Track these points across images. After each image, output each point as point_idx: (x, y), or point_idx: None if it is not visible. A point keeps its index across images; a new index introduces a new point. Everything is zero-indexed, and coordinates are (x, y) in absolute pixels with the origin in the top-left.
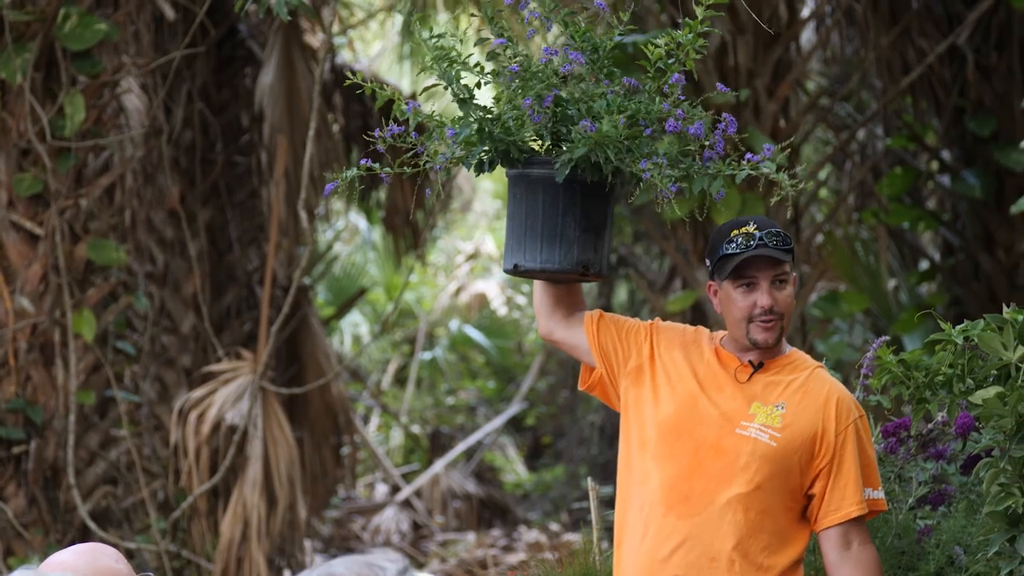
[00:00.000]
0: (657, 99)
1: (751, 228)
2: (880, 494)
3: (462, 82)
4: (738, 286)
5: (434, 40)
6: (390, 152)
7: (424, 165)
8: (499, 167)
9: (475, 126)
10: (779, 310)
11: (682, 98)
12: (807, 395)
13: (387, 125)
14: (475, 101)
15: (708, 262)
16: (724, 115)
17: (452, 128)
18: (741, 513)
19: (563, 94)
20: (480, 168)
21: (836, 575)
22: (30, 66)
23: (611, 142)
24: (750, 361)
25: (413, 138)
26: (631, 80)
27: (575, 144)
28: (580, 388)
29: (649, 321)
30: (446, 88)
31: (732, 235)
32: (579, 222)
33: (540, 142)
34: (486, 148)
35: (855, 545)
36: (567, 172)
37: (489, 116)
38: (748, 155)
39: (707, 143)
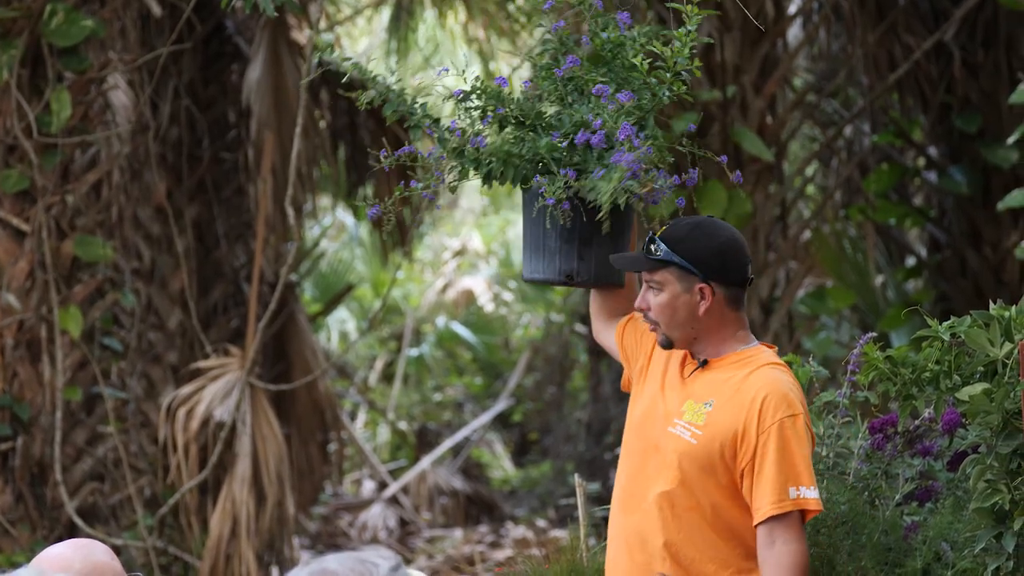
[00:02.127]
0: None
1: (660, 230)
2: (812, 493)
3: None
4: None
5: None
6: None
7: (447, 184)
8: None
9: (441, 152)
10: (652, 316)
11: (607, 103)
12: (738, 393)
13: (371, 121)
14: (436, 126)
15: None
16: (624, 124)
17: (432, 151)
18: (668, 510)
19: (512, 111)
20: (485, 181)
21: (761, 573)
22: (16, 62)
23: (516, 157)
24: (697, 358)
25: (425, 157)
26: (606, 88)
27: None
28: (622, 389)
29: None
30: (413, 124)
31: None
32: (560, 233)
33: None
34: (462, 167)
35: (778, 544)
36: (521, 186)
37: (451, 135)
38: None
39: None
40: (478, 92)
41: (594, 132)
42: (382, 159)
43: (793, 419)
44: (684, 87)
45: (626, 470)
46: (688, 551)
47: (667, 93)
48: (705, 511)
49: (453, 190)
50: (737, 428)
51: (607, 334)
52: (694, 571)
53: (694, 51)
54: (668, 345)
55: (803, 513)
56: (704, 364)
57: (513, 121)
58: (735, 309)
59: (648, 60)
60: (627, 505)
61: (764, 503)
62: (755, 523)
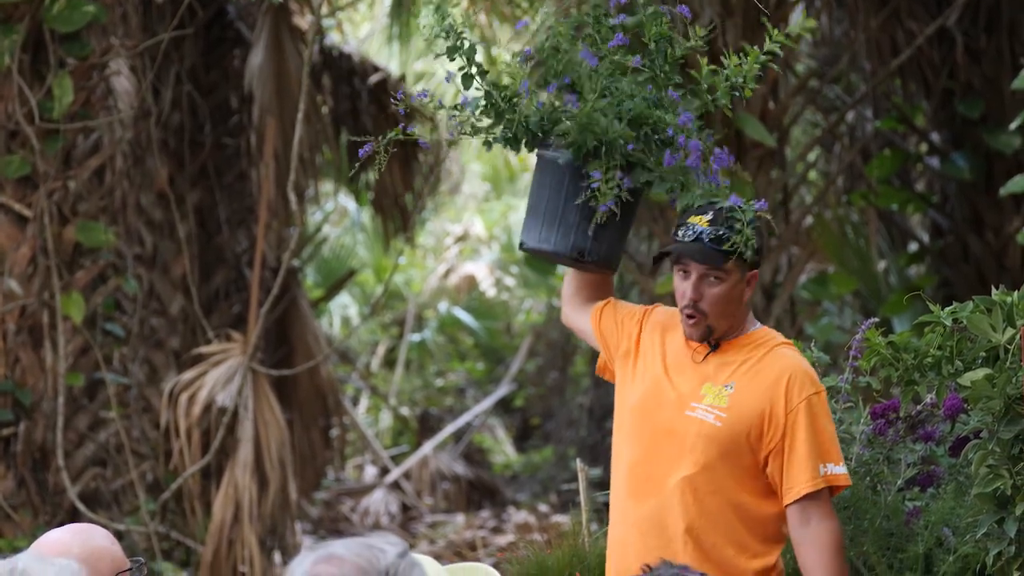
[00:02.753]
0: (668, 115)
1: (704, 220)
2: (840, 469)
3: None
4: (677, 272)
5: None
6: (391, 125)
7: (457, 137)
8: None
9: (482, 100)
10: (703, 307)
11: (691, 127)
12: (758, 374)
13: (373, 107)
14: (482, 77)
15: None
16: (717, 151)
17: (465, 100)
18: (690, 494)
19: (578, 83)
20: (510, 144)
21: (798, 552)
22: (18, 48)
23: (597, 130)
24: (708, 341)
25: (439, 105)
26: (675, 95)
27: (570, 127)
28: (596, 373)
29: (651, 305)
30: (454, 59)
31: (687, 220)
32: (582, 209)
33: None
34: (494, 125)
35: (813, 522)
36: (567, 155)
37: (498, 91)
38: (732, 198)
39: (707, 168)
40: (548, 55)
41: (686, 153)
42: (396, 101)
43: (819, 396)
44: (729, 106)
45: (632, 455)
46: (710, 536)
47: (719, 106)
48: (727, 495)
49: (451, 145)
50: (764, 409)
51: (580, 317)
52: (715, 556)
53: (761, 73)
54: (705, 337)
55: (830, 489)
56: (716, 347)
57: (578, 89)
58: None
59: (711, 67)
60: (639, 491)
61: (797, 482)
62: (787, 502)
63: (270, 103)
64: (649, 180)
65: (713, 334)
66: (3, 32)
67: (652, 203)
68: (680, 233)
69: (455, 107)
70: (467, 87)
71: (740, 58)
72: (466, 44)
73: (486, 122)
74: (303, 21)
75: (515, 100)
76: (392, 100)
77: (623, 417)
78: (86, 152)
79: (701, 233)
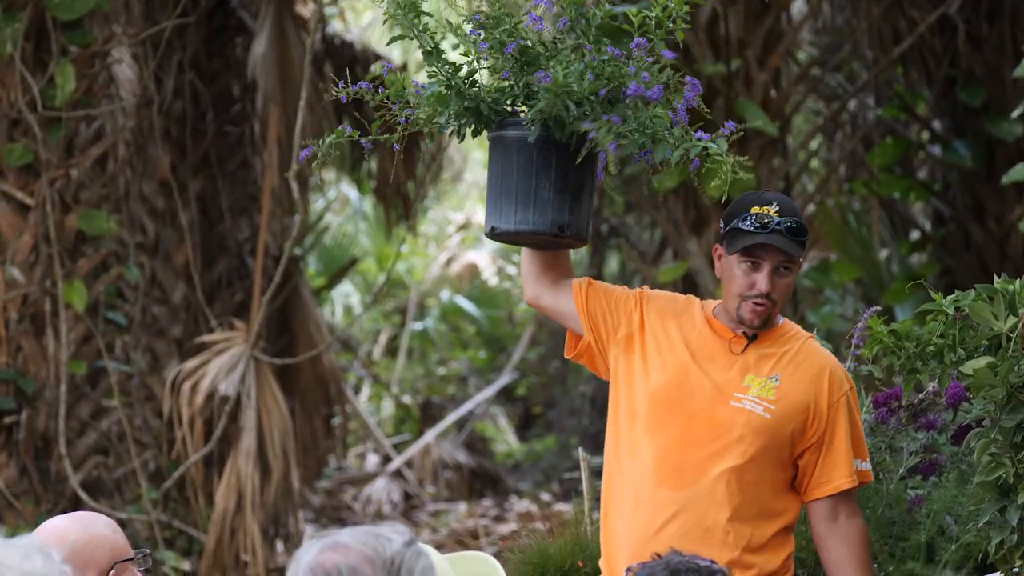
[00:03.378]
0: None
1: (772, 210)
2: (867, 465)
3: (428, 33)
4: (743, 262)
5: None
6: (372, 120)
7: (405, 130)
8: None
9: (442, 82)
10: (775, 296)
11: (645, 57)
12: (799, 367)
13: (379, 97)
14: (442, 57)
15: (722, 226)
16: (687, 78)
17: (420, 84)
18: (735, 484)
19: (531, 45)
20: (461, 134)
21: (824, 547)
22: (20, 36)
23: (571, 95)
24: (744, 332)
25: (380, 94)
26: (616, 51)
27: (538, 99)
28: (566, 356)
29: (638, 289)
30: (411, 39)
31: (751, 211)
32: (554, 183)
33: (511, 102)
34: (455, 107)
35: (843, 517)
36: (536, 130)
37: (456, 71)
38: (699, 133)
39: (671, 110)
40: (494, 20)
41: (647, 86)
42: (337, 91)
43: (853, 391)
44: (665, 50)
45: (662, 442)
46: (748, 526)
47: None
48: (763, 486)
49: (404, 131)
50: (808, 402)
51: (557, 297)
52: (752, 544)
53: (686, 12)
54: (765, 325)
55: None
56: (754, 338)
57: (523, 57)
58: None
59: (640, 15)
60: (672, 480)
61: (834, 476)
62: (817, 496)
63: (273, 91)
64: (620, 135)
65: (769, 321)
66: (5, 20)
67: (653, 191)
68: (749, 223)
69: (406, 103)
70: (429, 64)
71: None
72: (420, 24)
73: (440, 109)
74: (305, 9)
75: (472, 78)
76: (332, 90)
77: (636, 405)
78: (88, 140)
79: (779, 224)
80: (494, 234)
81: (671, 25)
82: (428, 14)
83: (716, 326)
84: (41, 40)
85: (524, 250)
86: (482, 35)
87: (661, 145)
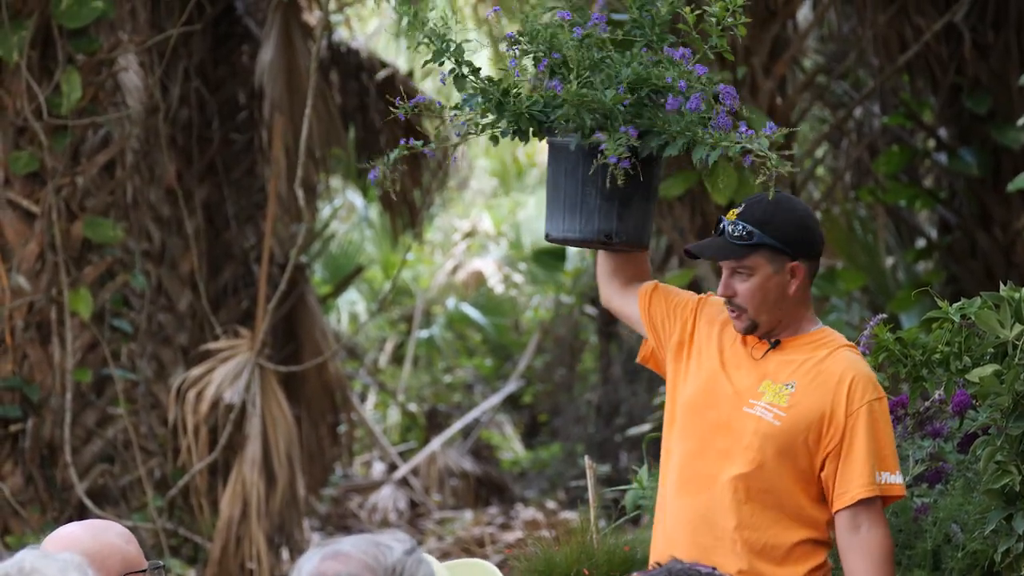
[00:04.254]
0: (670, 69)
1: (735, 212)
2: (897, 479)
3: (463, 57)
4: (722, 268)
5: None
6: (406, 128)
7: (464, 137)
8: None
9: (479, 99)
10: (738, 302)
11: (689, 68)
12: (820, 375)
13: (381, 103)
14: (475, 75)
15: None
16: (722, 87)
17: (465, 98)
18: (743, 492)
19: (567, 57)
20: (517, 135)
21: (845, 559)
22: (27, 44)
23: (588, 105)
24: (768, 339)
25: (439, 106)
26: (673, 51)
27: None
28: (637, 361)
29: (702, 295)
30: (442, 64)
31: (721, 216)
32: (600, 191)
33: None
34: (497, 119)
35: (863, 529)
36: (576, 139)
37: (493, 86)
38: (743, 127)
39: (708, 116)
40: (531, 35)
41: (686, 97)
42: (397, 106)
43: (880, 402)
44: (727, 49)
45: (684, 450)
46: (759, 535)
47: (713, 45)
48: (778, 495)
49: (456, 146)
50: (824, 410)
51: (625, 300)
52: (764, 555)
53: (741, 6)
54: (751, 330)
55: (884, 499)
56: (776, 344)
57: (564, 70)
58: (811, 284)
59: (697, 11)
60: (689, 486)
61: (852, 486)
62: (839, 507)
63: (279, 99)
64: (661, 144)
65: (759, 328)
66: (12, 28)
67: (659, 199)
68: (715, 230)
69: (455, 107)
70: (460, 88)
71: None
72: (451, 46)
73: (489, 118)
74: (312, 17)
75: (513, 91)
76: (392, 106)
77: (675, 411)
78: (94, 148)
79: (724, 227)
80: (548, 239)
81: (730, 20)
82: (451, 40)
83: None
84: (47, 48)
85: (599, 252)
86: (516, 52)
87: (700, 146)
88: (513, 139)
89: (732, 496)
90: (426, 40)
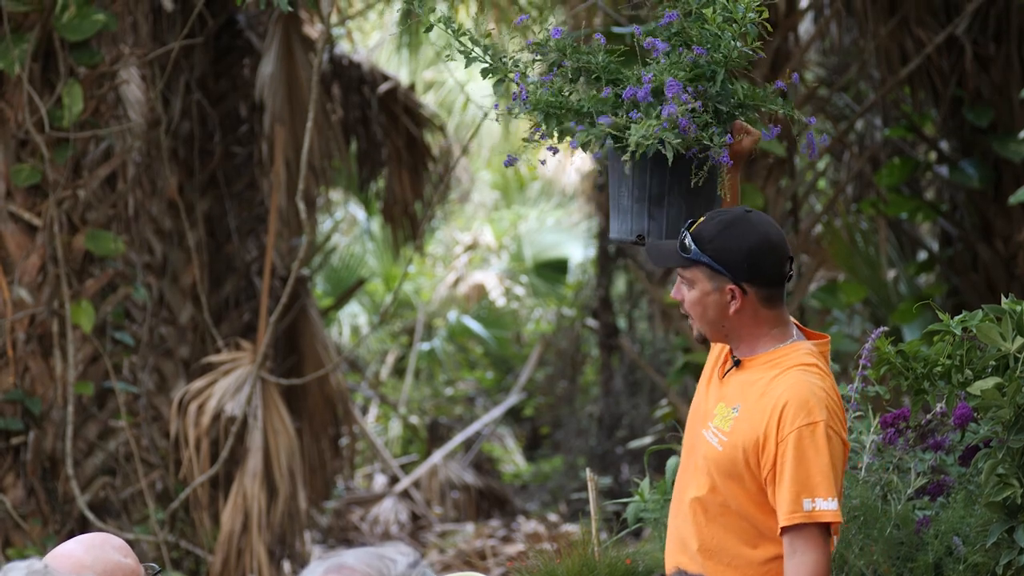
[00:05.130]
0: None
1: (697, 223)
2: (829, 504)
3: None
4: None
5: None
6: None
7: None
8: None
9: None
10: (685, 310)
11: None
12: (762, 398)
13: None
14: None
15: None
16: (668, 80)
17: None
18: (701, 515)
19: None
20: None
21: None
22: (28, 56)
23: (551, 108)
24: (733, 357)
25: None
26: (702, 49)
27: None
28: None
29: None
30: (503, 76)
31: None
32: (632, 192)
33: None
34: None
35: (797, 556)
36: (597, 144)
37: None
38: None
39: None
40: (553, 43)
41: (642, 86)
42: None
43: (812, 427)
44: (756, 42)
45: (680, 468)
46: (723, 554)
47: (738, 46)
48: (736, 513)
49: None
50: (759, 436)
51: None
52: (732, 571)
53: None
54: (701, 339)
55: (827, 525)
56: (738, 364)
57: (581, 75)
58: (771, 307)
59: (720, 12)
60: (673, 507)
61: (781, 513)
62: (780, 531)
63: (281, 112)
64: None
65: (708, 338)
66: (13, 41)
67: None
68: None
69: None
70: (523, 111)
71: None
72: (507, 65)
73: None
74: (313, 30)
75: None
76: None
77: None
78: (96, 161)
79: (682, 234)
80: (610, 240)
81: (753, 16)
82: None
83: (728, 352)
84: (49, 60)
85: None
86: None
87: (632, 135)
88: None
89: (693, 518)
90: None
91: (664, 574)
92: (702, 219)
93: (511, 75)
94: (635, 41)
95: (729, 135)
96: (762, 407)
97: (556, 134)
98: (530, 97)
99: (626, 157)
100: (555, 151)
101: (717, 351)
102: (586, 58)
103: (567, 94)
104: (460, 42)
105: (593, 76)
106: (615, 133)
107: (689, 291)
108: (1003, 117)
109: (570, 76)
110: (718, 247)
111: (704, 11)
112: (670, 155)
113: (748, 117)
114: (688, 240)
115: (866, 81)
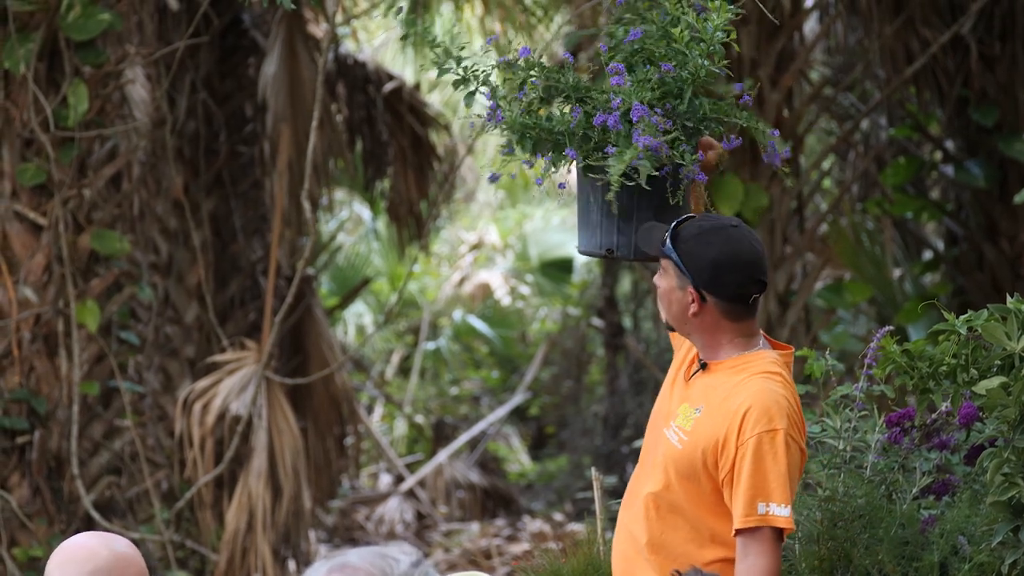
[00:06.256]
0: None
1: (686, 219)
2: (782, 511)
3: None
4: None
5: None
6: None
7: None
8: None
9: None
10: (657, 296)
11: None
12: (726, 401)
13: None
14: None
15: None
16: (635, 105)
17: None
18: (653, 510)
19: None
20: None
21: None
22: (33, 56)
23: (525, 129)
24: (700, 359)
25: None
26: (668, 66)
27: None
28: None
29: None
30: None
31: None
32: (601, 207)
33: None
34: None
35: (749, 559)
36: (561, 162)
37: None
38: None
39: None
40: (522, 62)
41: (611, 112)
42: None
43: (772, 434)
44: (722, 59)
45: (636, 466)
46: (669, 553)
47: (705, 63)
48: (687, 515)
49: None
50: (719, 438)
51: None
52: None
53: (730, 19)
54: (668, 327)
55: (780, 530)
56: (704, 367)
57: (554, 95)
58: (733, 320)
59: (687, 30)
60: (625, 500)
61: (736, 515)
62: (734, 535)
63: (284, 111)
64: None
65: (674, 330)
66: (19, 40)
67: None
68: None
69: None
70: (496, 127)
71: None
72: (479, 75)
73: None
74: (318, 29)
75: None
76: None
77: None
78: (101, 160)
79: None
80: (578, 251)
81: (721, 36)
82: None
83: (695, 353)
84: (54, 60)
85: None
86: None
87: (614, 159)
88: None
89: (645, 513)
90: (448, 69)
91: (679, 571)
92: (692, 219)
93: (481, 91)
94: (600, 58)
95: (701, 152)
96: (724, 410)
97: (529, 152)
98: (506, 117)
99: (610, 196)
100: (530, 164)
101: (683, 353)
102: (555, 76)
103: (536, 110)
104: (434, 52)
105: (563, 95)
106: (592, 163)
107: (660, 281)
108: (1009, 116)
109: (540, 95)
110: (688, 250)
111: (671, 29)
112: (643, 179)
113: (713, 131)
114: (667, 235)
115: (871, 80)
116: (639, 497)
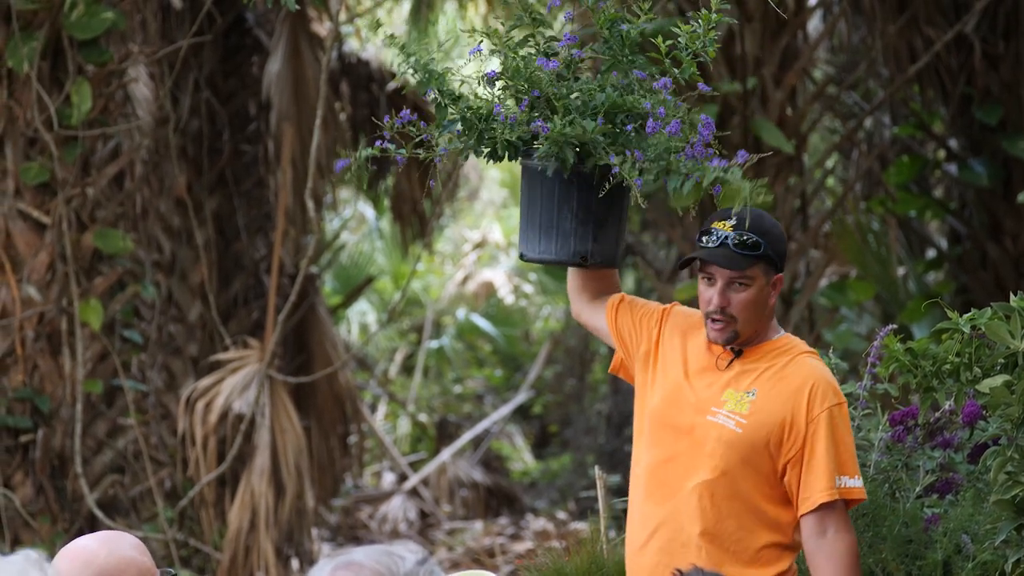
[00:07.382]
0: (646, 95)
1: (728, 225)
2: (857, 482)
3: (445, 87)
4: (702, 278)
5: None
6: (402, 139)
7: (435, 152)
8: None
9: (458, 124)
10: (731, 312)
11: (668, 97)
12: (781, 382)
13: (396, 113)
14: (455, 104)
15: None
16: (702, 116)
17: (446, 124)
18: (707, 499)
19: (549, 92)
20: (492, 157)
21: (811, 564)
22: (37, 55)
23: (569, 139)
24: (732, 348)
25: (422, 127)
26: (642, 74)
27: (542, 142)
28: (609, 371)
29: (667, 305)
30: (424, 93)
31: (711, 226)
32: (576, 214)
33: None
34: (477, 143)
35: (830, 533)
36: (553, 165)
37: (476, 113)
38: (715, 160)
39: (689, 143)
40: (512, 72)
41: (662, 122)
42: (384, 125)
43: (840, 407)
44: (696, 73)
45: (651, 458)
46: (724, 541)
47: (685, 77)
48: (744, 501)
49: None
50: (785, 417)
51: (594, 314)
52: (728, 560)
53: (716, 35)
54: (732, 340)
55: (847, 503)
56: (739, 353)
57: (540, 103)
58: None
59: (668, 42)
60: (656, 494)
61: (814, 491)
62: (802, 512)
63: (288, 110)
64: (640, 169)
65: (740, 338)
66: (22, 39)
67: (669, 210)
68: (704, 239)
69: (437, 125)
70: (441, 117)
71: (694, 24)
72: (433, 74)
73: (470, 142)
74: (321, 28)
75: (491, 118)
76: (378, 123)
77: (642, 421)
78: (104, 159)
79: (726, 238)
80: (523, 259)
81: (700, 47)
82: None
83: (711, 342)
84: (58, 59)
85: (569, 269)
86: (496, 88)
87: (673, 175)
88: (488, 161)
89: (697, 503)
90: (410, 70)
91: (680, 571)
92: (731, 218)
93: (445, 100)
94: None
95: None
96: (784, 389)
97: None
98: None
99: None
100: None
101: (680, 344)
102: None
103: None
104: (403, 53)
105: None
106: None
107: (741, 292)
108: (1012, 115)
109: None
110: (774, 239)
111: (656, 41)
112: (566, 169)
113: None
114: (750, 237)
115: (875, 79)
116: (683, 489)
